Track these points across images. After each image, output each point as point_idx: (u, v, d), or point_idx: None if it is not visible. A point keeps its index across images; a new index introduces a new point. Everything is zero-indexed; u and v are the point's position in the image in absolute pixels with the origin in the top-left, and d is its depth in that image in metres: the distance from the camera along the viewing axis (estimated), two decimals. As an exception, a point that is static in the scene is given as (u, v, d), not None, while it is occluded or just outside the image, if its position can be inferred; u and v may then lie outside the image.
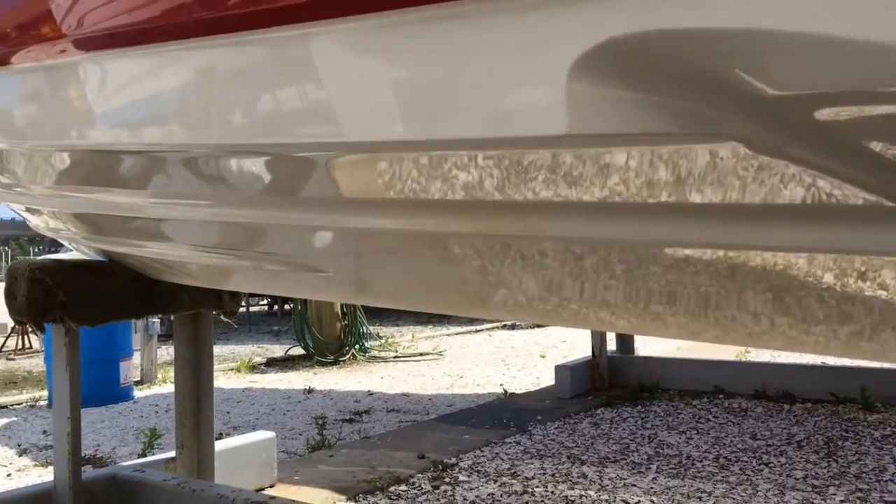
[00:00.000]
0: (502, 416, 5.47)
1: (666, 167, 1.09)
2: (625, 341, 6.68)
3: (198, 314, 3.60)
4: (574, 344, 9.34)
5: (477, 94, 1.14)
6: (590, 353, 6.37)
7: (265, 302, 16.46)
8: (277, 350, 9.81)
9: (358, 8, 1.12)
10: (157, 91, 1.64)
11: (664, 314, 1.49)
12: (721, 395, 5.81)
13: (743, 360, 6.89)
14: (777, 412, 5.29)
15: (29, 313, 2.97)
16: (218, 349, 7.51)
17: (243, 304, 12.76)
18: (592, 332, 6.32)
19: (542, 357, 8.73)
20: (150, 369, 7.78)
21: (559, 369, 6.23)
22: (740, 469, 4.03)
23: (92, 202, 2.40)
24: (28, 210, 3.20)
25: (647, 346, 7.52)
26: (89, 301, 3.05)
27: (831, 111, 0.87)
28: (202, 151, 1.70)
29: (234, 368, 8.40)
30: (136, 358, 7.45)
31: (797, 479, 3.83)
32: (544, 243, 1.48)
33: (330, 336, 9.13)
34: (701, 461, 4.19)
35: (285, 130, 1.43)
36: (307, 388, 7.14)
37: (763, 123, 0.93)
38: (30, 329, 8.28)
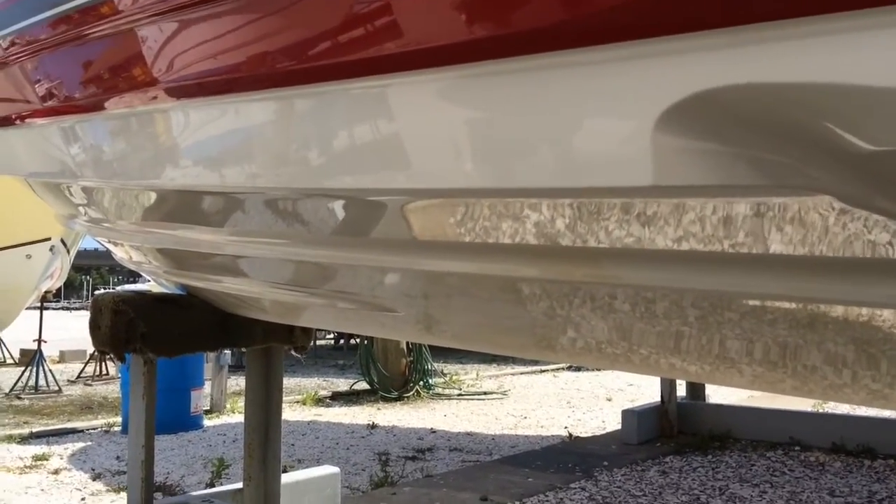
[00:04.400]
0: (567, 459, 5.38)
1: (753, 219, 1.07)
2: (695, 387, 6.50)
3: (270, 348, 3.68)
4: (641, 388, 9.14)
5: (563, 145, 1.15)
6: (658, 399, 6.22)
7: (331, 336, 16.67)
8: (342, 384, 9.90)
9: (439, 60, 1.15)
10: (241, 136, 1.71)
11: (739, 362, 1.45)
12: (797, 448, 5.59)
13: (820, 411, 6.61)
14: (857, 468, 5.04)
15: (111, 343, 3.09)
16: (285, 381, 7.63)
17: (310, 337, 12.99)
18: (662, 377, 6.18)
19: (609, 400, 8.57)
20: (220, 399, 7.95)
21: (626, 414, 6.10)
22: (818, 527, 3.85)
23: (173, 238, 2.49)
24: (112, 243, 3.35)
25: (719, 393, 7.31)
26: (168, 333, 3.15)
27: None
28: (281, 194, 1.76)
29: (300, 401, 8.51)
30: (207, 387, 7.64)
31: (880, 540, 3.64)
32: (617, 289, 1.47)
33: (395, 372, 9.17)
34: (775, 516, 4.03)
35: (363, 176, 1.47)
36: (371, 423, 7.17)
37: (857, 178, 0.91)
38: (108, 356, 8.57)
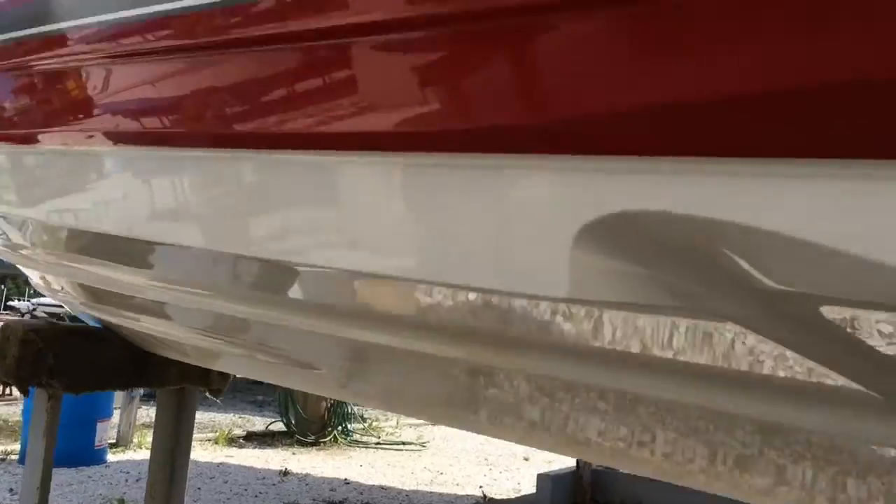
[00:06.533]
0: (479, 521, 5.34)
1: (664, 330, 1.11)
2: (610, 455, 6.56)
3: (184, 388, 3.57)
4: (559, 449, 9.17)
5: (479, 245, 1.17)
6: (574, 463, 6.26)
7: (253, 371, 16.25)
8: (259, 422, 9.64)
9: (375, 146, 1.17)
10: (170, 192, 1.69)
11: (643, 453, 1.49)
12: (704, 523, 5.68)
13: (729, 486, 6.74)
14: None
15: (16, 375, 2.95)
16: (198, 416, 7.39)
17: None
18: (578, 443, 6.21)
19: (526, 459, 8.56)
20: (128, 432, 7.63)
21: (541, 478, 6.11)
22: None
23: (92, 275, 2.42)
24: (28, 267, 3.23)
25: (633, 460, 7.37)
26: (78, 368, 3.03)
27: (827, 309, 0.90)
28: (205, 252, 1.73)
29: (212, 440, 8.24)
30: (115, 416, 7.33)
31: None
32: (534, 377, 1.50)
33: (314, 414, 8.98)
34: None
35: (288, 248, 1.46)
36: (283, 469, 6.99)
37: (762, 312, 0.96)
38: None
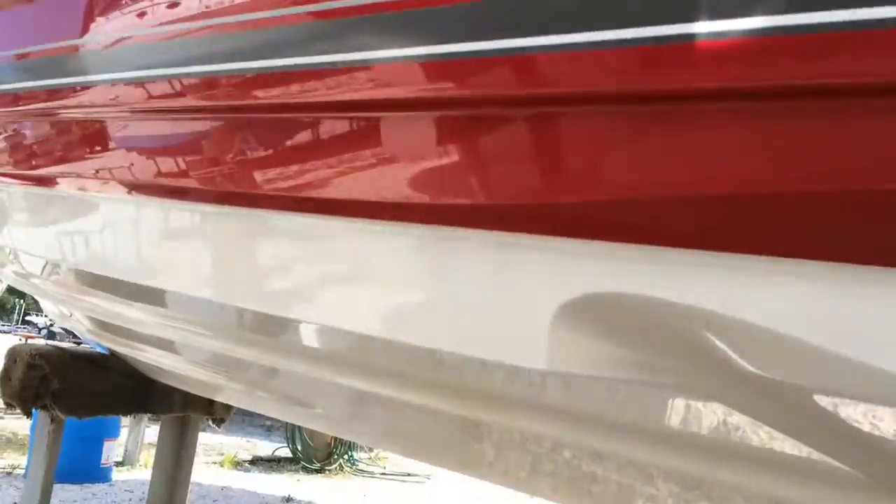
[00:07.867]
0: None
1: (642, 405, 1.11)
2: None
3: (186, 416, 3.59)
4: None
5: (468, 315, 1.19)
6: (578, 504, 6.17)
7: (263, 392, 16.20)
8: (265, 447, 9.62)
9: (381, 214, 1.19)
10: (173, 243, 1.72)
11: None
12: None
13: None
14: None
15: (20, 398, 2.98)
16: (205, 438, 7.38)
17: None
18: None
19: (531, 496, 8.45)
20: (135, 451, 7.63)
21: (545, 517, 6.03)
22: None
23: (100, 308, 2.45)
24: (37, 296, 3.27)
25: None
26: (81, 393, 3.06)
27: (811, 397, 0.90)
28: (207, 302, 1.76)
29: (218, 462, 8.23)
30: (123, 435, 7.34)
31: None
32: (523, 432, 1.50)
33: (320, 443, 8.95)
34: None
35: (285, 306, 1.48)
36: (287, 496, 6.96)
37: (744, 394, 0.96)
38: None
